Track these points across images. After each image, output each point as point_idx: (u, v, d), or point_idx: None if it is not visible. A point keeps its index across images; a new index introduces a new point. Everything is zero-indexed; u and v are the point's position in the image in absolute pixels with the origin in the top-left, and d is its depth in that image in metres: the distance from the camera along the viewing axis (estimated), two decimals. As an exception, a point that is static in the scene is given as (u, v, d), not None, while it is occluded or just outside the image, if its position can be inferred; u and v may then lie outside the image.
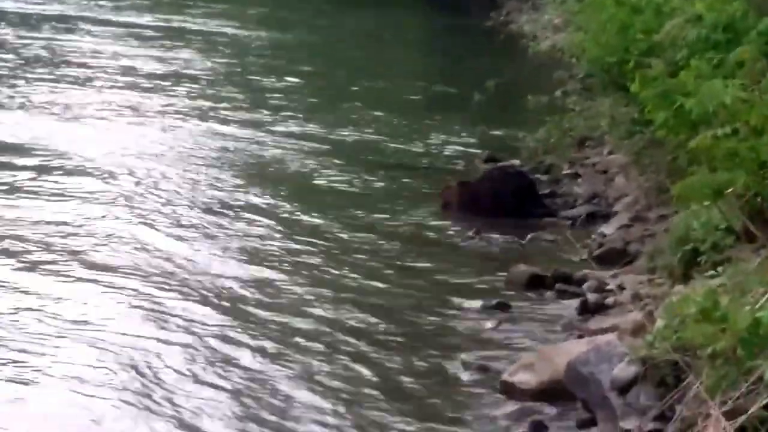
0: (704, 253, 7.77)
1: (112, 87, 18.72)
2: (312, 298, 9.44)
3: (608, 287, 9.47)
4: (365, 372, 7.98)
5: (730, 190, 7.48)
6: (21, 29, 24.13)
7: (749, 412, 4.88)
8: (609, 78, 11.95)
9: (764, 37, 8.24)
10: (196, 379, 7.73)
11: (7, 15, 26.00)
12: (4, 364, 7.85)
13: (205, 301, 9.19)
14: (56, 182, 12.64)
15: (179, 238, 10.86)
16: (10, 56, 20.87)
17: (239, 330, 8.62)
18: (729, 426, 4.74)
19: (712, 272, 7.07)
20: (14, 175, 12.82)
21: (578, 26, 13.51)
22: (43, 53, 21.43)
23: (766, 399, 4.80)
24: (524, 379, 7.70)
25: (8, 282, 9.44)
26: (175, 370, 7.83)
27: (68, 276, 9.70)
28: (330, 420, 7.23)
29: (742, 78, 7.70)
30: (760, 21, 8.29)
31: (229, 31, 26.10)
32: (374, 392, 7.65)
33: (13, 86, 18.01)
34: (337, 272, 10.12)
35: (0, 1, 27.82)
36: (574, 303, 9.25)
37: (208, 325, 8.66)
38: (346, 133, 15.95)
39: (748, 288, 5.92)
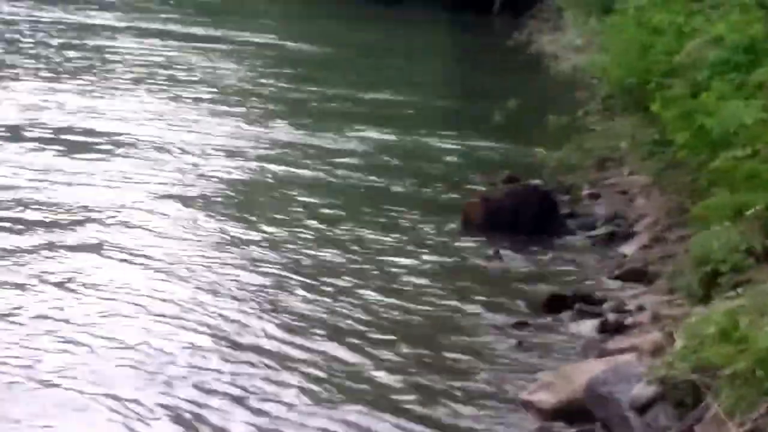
0: (724, 274, 7.77)
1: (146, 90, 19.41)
2: (326, 307, 9.51)
3: (628, 307, 9.48)
4: (384, 389, 8.00)
5: (750, 211, 7.50)
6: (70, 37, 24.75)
7: (768, 433, 4.89)
8: (630, 98, 11.97)
9: (785, 59, 8.27)
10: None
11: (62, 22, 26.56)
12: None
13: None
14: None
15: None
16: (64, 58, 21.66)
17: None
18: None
19: (731, 293, 7.06)
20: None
21: (600, 47, 13.54)
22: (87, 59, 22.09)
23: (784, 420, 4.81)
24: (543, 398, 7.71)
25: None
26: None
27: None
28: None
29: (763, 99, 7.73)
30: (782, 43, 8.32)
31: (264, 41, 26.71)
32: (394, 409, 7.67)
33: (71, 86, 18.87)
34: (355, 283, 10.16)
35: (51, 12, 28.29)
36: (594, 323, 9.25)
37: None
38: (369, 143, 16.07)
39: (768, 309, 5.92)
